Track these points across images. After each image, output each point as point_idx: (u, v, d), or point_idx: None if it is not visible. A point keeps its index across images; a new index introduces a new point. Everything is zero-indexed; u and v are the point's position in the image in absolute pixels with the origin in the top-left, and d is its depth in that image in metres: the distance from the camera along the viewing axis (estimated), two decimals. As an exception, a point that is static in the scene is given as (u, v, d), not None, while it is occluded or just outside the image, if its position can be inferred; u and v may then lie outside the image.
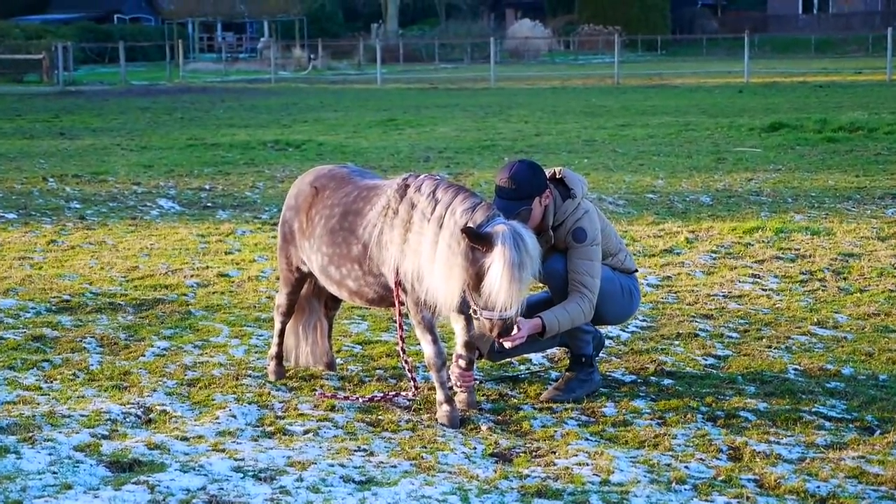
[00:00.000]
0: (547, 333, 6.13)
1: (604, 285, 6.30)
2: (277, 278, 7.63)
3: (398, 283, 5.99)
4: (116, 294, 8.86)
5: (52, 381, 6.60)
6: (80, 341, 7.47)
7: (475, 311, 5.67)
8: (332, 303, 6.94)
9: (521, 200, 6.02)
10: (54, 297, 8.69)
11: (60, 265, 10.01)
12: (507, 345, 5.90)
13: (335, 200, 6.38)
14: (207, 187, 15.14)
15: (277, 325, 6.85)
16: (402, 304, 6.06)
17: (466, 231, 5.48)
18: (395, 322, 6.23)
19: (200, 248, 10.88)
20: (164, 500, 4.62)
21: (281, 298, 6.83)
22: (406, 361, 6.21)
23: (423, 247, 5.78)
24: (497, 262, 5.43)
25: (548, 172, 6.30)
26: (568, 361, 6.62)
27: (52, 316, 8.18)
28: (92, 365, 6.93)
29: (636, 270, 6.73)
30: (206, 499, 4.64)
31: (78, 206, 13.59)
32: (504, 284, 5.44)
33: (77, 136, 22.76)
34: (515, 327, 5.75)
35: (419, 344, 6.14)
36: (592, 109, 28.48)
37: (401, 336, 6.18)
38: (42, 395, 6.33)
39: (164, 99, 35.66)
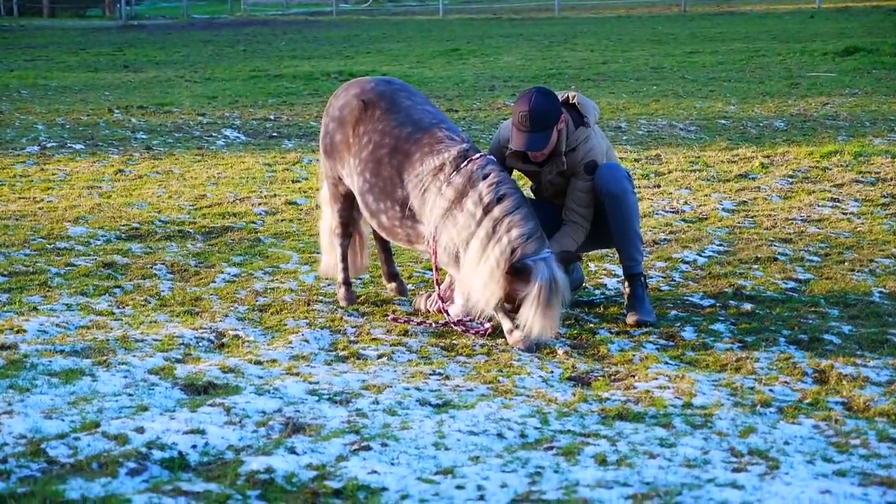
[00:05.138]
0: None
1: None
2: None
3: (435, 249, 5.97)
4: (185, 222, 8.82)
5: (124, 307, 6.58)
6: (151, 268, 7.44)
7: (507, 316, 5.88)
8: None
9: (540, 132, 6.00)
10: (124, 225, 8.66)
11: (129, 194, 10.00)
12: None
13: (386, 127, 6.26)
14: (272, 117, 15.06)
15: (338, 250, 6.76)
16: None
17: (511, 267, 5.68)
18: (434, 280, 6.20)
19: (267, 176, 10.82)
20: (240, 421, 4.56)
21: (334, 219, 6.75)
22: (455, 323, 6.15)
23: (472, 245, 5.85)
24: (530, 299, 5.65)
25: (561, 97, 6.25)
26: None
27: (121, 243, 8.16)
28: (163, 291, 6.90)
29: None
30: (283, 420, 4.58)
31: (144, 136, 13.57)
32: (538, 322, 5.66)
33: (141, 69, 22.77)
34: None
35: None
36: (659, 37, 27.97)
37: (440, 296, 6.12)
38: (115, 319, 6.30)
39: (226, 32, 35.60)
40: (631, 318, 6.22)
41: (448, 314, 6.17)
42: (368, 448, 4.27)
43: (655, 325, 6.16)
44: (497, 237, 5.76)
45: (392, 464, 4.15)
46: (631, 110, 14.83)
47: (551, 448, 4.36)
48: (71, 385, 5.01)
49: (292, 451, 4.25)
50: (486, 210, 5.83)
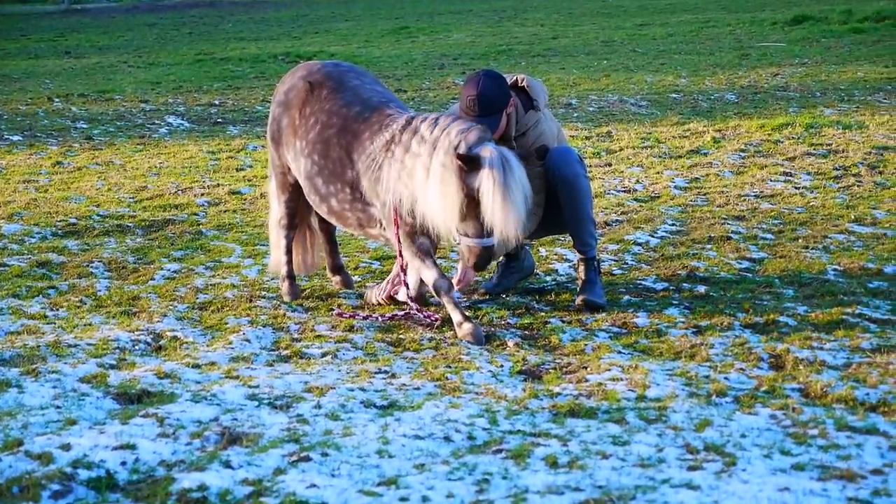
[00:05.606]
0: (496, 258, 6.01)
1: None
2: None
3: (396, 220, 5.71)
4: (124, 216, 8.56)
5: (58, 309, 6.32)
6: (88, 266, 7.18)
7: (456, 238, 5.57)
8: None
9: (489, 117, 5.78)
10: (60, 221, 8.38)
11: (67, 187, 9.70)
12: (463, 286, 6.08)
13: (333, 107, 6.03)
14: (217, 103, 14.76)
15: (283, 242, 6.52)
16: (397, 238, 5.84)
17: (460, 159, 5.37)
18: (397, 258, 5.95)
19: (211, 165, 10.55)
20: (174, 433, 4.34)
21: (280, 210, 6.50)
22: (418, 310, 5.94)
23: (417, 168, 5.59)
24: (486, 184, 5.33)
25: (509, 79, 6.05)
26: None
27: (58, 240, 7.89)
28: (99, 290, 6.64)
29: None
30: (219, 430, 4.35)
31: (84, 125, 13.25)
32: (498, 207, 5.33)
33: (83, 55, 22.32)
34: (461, 278, 5.97)
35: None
36: (609, 10, 27.84)
37: (402, 267, 5.90)
38: (47, 323, 6.04)
39: (171, 15, 35.06)
40: (579, 299, 6.05)
41: (407, 287, 5.95)
42: (308, 459, 4.06)
43: (606, 310, 6.00)
44: (438, 147, 5.51)
45: (332, 475, 3.94)
46: (581, 86, 14.65)
47: (500, 451, 4.17)
48: (-4, 398, 4.76)
49: (227, 465, 4.03)
50: (426, 140, 5.60)
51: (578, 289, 6.16)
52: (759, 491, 3.78)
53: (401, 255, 5.86)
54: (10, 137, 12.47)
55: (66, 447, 4.15)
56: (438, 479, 3.92)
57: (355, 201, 5.95)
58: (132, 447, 4.17)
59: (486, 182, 5.32)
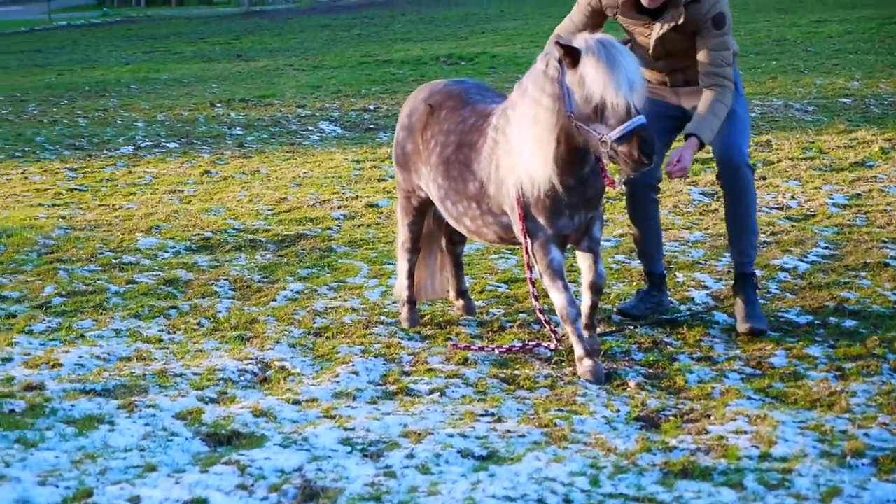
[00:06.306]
0: (706, 144, 5.58)
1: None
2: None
3: (521, 216, 5.31)
4: (259, 230, 8.44)
5: (174, 332, 6.20)
6: (213, 284, 7.07)
7: (605, 145, 4.86)
8: (457, 236, 6.30)
9: None
10: (195, 235, 8.32)
11: (209, 198, 9.68)
12: (678, 171, 5.43)
13: (451, 126, 5.72)
14: (372, 107, 14.65)
15: (405, 266, 6.25)
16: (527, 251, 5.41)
17: (557, 49, 4.91)
18: (525, 265, 5.55)
19: (353, 175, 10.39)
20: (252, 485, 4.09)
21: (403, 233, 6.24)
22: (540, 311, 5.53)
23: (513, 129, 5.26)
24: (588, 60, 4.83)
25: None
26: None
27: (189, 256, 7.82)
28: (219, 312, 6.51)
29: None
30: (299, 483, 4.09)
31: (240, 132, 13.30)
32: (603, 72, 4.79)
33: (253, 58, 22.62)
34: (676, 160, 5.43)
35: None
36: (785, 5, 26.75)
37: (530, 280, 5.52)
38: (160, 348, 5.92)
39: (345, 16, 35.42)
40: (743, 327, 5.65)
41: (533, 284, 5.50)
42: (381, 524, 3.76)
43: (763, 335, 5.58)
44: (526, 93, 5.16)
45: (405, 545, 3.64)
46: (745, 89, 13.97)
47: (594, 520, 3.79)
48: (84, 437, 4.60)
49: (295, 527, 3.77)
50: (517, 103, 5.28)
51: (736, 310, 5.75)
52: (883, 586, 3.30)
53: (527, 252, 5.48)
54: (167, 145, 12.60)
55: (136, 500, 3.95)
56: (519, 554, 3.57)
57: (484, 214, 5.62)
58: (203, 502, 3.94)
59: (588, 58, 4.84)
